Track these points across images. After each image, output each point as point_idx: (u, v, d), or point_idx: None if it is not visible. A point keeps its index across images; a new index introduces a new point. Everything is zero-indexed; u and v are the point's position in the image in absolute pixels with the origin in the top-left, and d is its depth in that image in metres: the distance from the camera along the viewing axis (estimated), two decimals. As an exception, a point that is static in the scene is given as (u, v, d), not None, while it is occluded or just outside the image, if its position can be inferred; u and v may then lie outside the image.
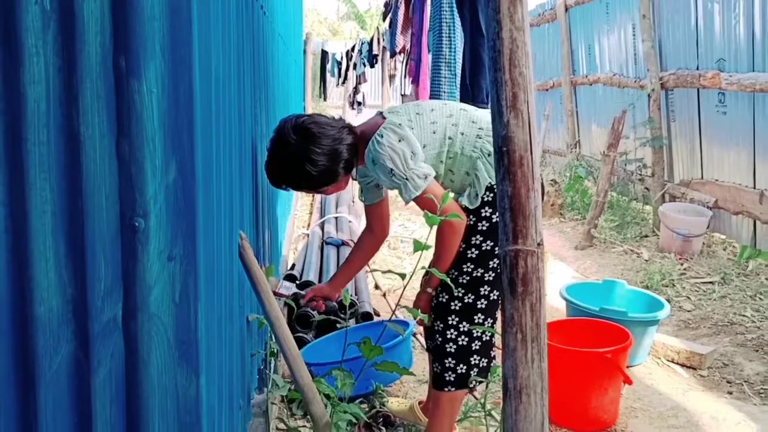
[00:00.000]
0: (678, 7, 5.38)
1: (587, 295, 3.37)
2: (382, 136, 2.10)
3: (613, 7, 6.73)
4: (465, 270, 2.18)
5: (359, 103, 12.70)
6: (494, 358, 2.30)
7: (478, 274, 2.18)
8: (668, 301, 4.02)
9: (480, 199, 2.15)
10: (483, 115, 2.21)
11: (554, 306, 3.80)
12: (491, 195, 2.13)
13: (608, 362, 2.54)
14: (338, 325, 3.06)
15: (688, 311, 3.98)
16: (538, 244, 1.51)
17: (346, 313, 2.28)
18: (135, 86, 1.07)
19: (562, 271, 4.91)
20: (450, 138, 2.17)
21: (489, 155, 2.12)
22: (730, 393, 3.02)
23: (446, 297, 2.22)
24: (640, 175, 6.19)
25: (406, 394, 2.89)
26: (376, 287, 4.25)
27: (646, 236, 5.65)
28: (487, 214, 2.15)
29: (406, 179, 2.07)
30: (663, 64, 5.71)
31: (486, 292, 2.20)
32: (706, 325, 3.75)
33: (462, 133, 2.17)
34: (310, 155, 2.05)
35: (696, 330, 3.72)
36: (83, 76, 1.06)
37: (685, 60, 5.35)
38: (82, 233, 1.09)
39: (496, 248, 2.15)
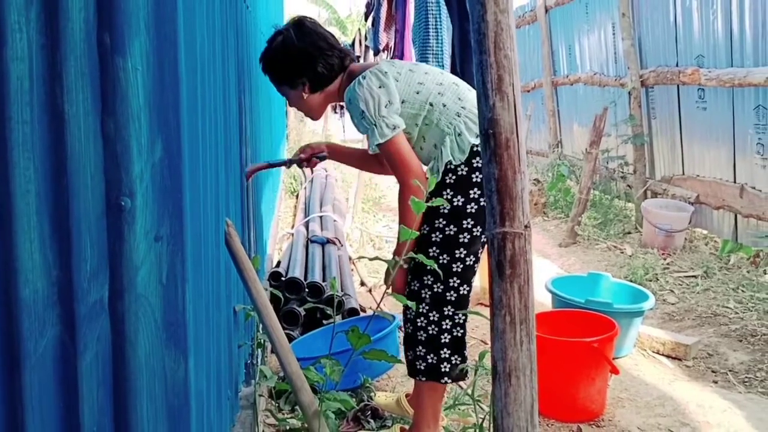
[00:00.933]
0: (657, 4, 5.44)
1: (573, 287, 3.39)
2: (364, 78, 2.14)
3: (593, 6, 6.79)
4: (431, 255, 2.15)
5: (342, 107, 12.69)
6: (467, 357, 2.29)
7: (445, 262, 2.15)
8: (653, 294, 4.06)
9: (441, 177, 2.13)
10: (471, 97, 2.20)
11: (540, 301, 3.81)
12: (453, 178, 2.12)
13: (595, 352, 2.55)
14: (324, 321, 3.05)
15: (672, 304, 4.01)
16: (526, 227, 1.50)
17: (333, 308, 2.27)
18: (120, 63, 1.06)
19: (547, 268, 4.92)
20: (431, 104, 2.16)
21: (459, 135, 2.12)
22: (716, 382, 3.04)
23: (417, 285, 2.22)
24: (622, 172, 6.24)
25: (393, 388, 2.89)
26: (362, 284, 4.24)
27: (629, 233, 5.69)
28: (449, 197, 2.13)
29: (374, 125, 2.08)
30: (643, 61, 5.77)
31: (455, 285, 2.19)
32: (690, 317, 3.78)
33: (444, 105, 2.16)
34: (287, 41, 2.16)
35: (680, 322, 3.75)
36: (67, 54, 1.04)
37: (664, 57, 5.40)
38: (66, 213, 1.07)
39: (460, 235, 2.14)
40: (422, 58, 4.35)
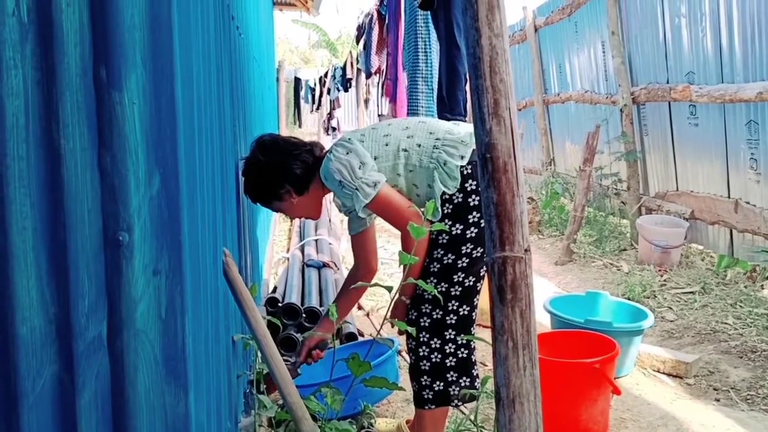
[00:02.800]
0: (646, 22, 5.49)
1: (571, 307, 3.38)
2: (331, 152, 2.16)
3: (582, 25, 6.85)
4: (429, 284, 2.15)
5: (333, 129, 12.73)
6: (477, 376, 2.27)
7: (443, 289, 2.15)
8: (651, 311, 4.05)
9: (440, 211, 2.12)
10: (443, 126, 2.20)
11: (538, 321, 3.78)
12: (450, 207, 2.12)
13: (597, 373, 2.53)
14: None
15: (671, 321, 4.00)
16: (526, 251, 1.50)
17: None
18: (116, 98, 1.06)
19: (544, 287, 4.91)
20: (405, 150, 2.15)
21: (445, 164, 2.10)
22: (718, 400, 3.02)
23: (415, 314, 2.20)
24: (616, 189, 6.26)
25: (394, 413, 2.86)
26: (359, 308, 4.21)
27: (625, 249, 5.69)
28: (447, 227, 2.12)
29: (355, 189, 2.08)
30: (634, 79, 5.81)
31: (454, 307, 2.17)
32: (690, 334, 3.77)
33: (419, 145, 2.15)
34: (256, 163, 2.19)
35: (680, 339, 3.74)
36: (63, 89, 1.04)
37: (655, 74, 5.44)
38: (64, 249, 1.06)
39: (458, 261, 2.14)
40: (412, 81, 4.37)
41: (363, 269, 2.27)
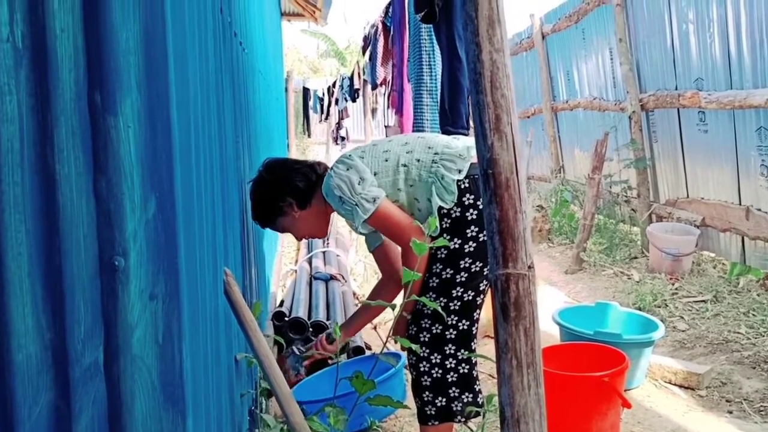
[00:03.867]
0: (654, 29, 5.46)
1: (580, 318, 3.34)
2: (331, 169, 2.18)
3: (589, 32, 6.82)
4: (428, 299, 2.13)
5: (342, 138, 12.74)
6: (480, 391, 2.25)
7: (442, 304, 2.14)
8: (662, 321, 4.00)
9: (438, 226, 2.11)
10: (441, 140, 2.21)
11: (547, 332, 3.76)
12: (449, 221, 2.11)
13: (606, 386, 2.50)
14: (330, 361, 3.01)
15: (683, 331, 3.96)
16: (529, 267, 1.48)
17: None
18: (111, 122, 1.05)
19: (554, 296, 4.88)
20: (404, 165, 2.15)
21: (443, 178, 2.10)
22: (731, 412, 2.98)
23: (414, 329, 2.19)
24: (626, 196, 6.21)
25: (401, 428, 2.83)
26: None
27: (636, 257, 5.64)
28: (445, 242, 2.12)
29: (355, 204, 2.09)
30: (642, 85, 5.77)
31: (453, 322, 2.16)
32: (702, 344, 3.73)
33: (418, 160, 2.15)
34: (259, 180, 2.24)
35: (692, 350, 3.69)
36: (58, 114, 1.03)
37: (663, 81, 5.40)
38: (60, 275, 1.05)
39: (457, 276, 2.13)
40: (417, 94, 4.36)
41: (392, 281, 2.34)
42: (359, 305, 2.48)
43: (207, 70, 1.44)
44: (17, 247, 1.03)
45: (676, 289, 4.67)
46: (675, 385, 3.25)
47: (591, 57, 6.91)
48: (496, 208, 1.45)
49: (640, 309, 4.26)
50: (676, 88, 5.17)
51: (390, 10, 5.84)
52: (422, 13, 3.63)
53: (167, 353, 1.11)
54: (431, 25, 3.87)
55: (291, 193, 2.21)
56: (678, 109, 5.24)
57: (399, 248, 2.32)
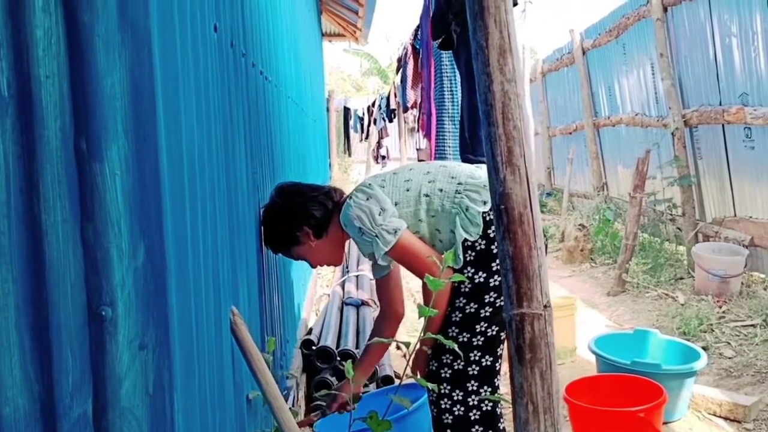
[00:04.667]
0: (695, 43, 5.30)
1: (618, 347, 3.22)
2: (351, 198, 2.11)
3: (630, 47, 6.68)
4: (450, 335, 2.05)
5: (383, 157, 12.76)
6: (504, 430, 2.16)
7: (465, 339, 2.06)
8: (707, 348, 3.84)
9: (462, 259, 2.05)
10: (464, 170, 2.13)
11: (586, 358, 3.65)
12: (473, 254, 2.03)
13: (642, 422, 2.38)
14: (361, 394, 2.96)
15: (729, 358, 3.78)
16: (545, 306, 1.42)
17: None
18: (97, 169, 1.03)
19: (594, 319, 4.74)
20: (427, 195, 2.09)
21: (467, 210, 2.03)
22: (780, 447, 2.82)
23: (435, 365, 2.11)
24: (671, 215, 6.02)
25: (431, 461, 2.75)
26: (398, 347, 4.13)
27: (681, 278, 5.45)
28: (469, 275, 2.04)
29: (375, 236, 2.02)
30: (685, 101, 5.61)
31: (476, 358, 2.08)
32: (749, 373, 3.55)
33: (440, 190, 2.08)
34: (272, 207, 2.19)
35: (738, 378, 3.52)
36: (43, 162, 1.02)
37: (707, 96, 5.24)
38: (47, 325, 1.04)
39: (481, 310, 2.05)
40: (440, 120, 4.30)
41: (388, 313, 2.22)
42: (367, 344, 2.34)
43: (208, 107, 1.42)
44: (4, 298, 1.01)
45: (723, 312, 4.48)
46: (720, 417, 3.09)
47: (632, 72, 6.75)
48: (509, 244, 1.39)
49: (684, 334, 4.10)
50: (720, 104, 5.00)
51: (419, 33, 5.82)
52: (440, 40, 3.57)
53: (158, 404, 1.08)
54: (452, 51, 3.83)
55: (307, 223, 2.15)
56: (723, 125, 5.06)
57: (401, 282, 2.27)
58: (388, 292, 2.21)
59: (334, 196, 2.20)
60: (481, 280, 2.03)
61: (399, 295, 2.23)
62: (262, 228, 2.23)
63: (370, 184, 2.12)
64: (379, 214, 2.02)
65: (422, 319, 1.73)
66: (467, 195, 2.04)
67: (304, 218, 2.15)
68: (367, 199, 2.06)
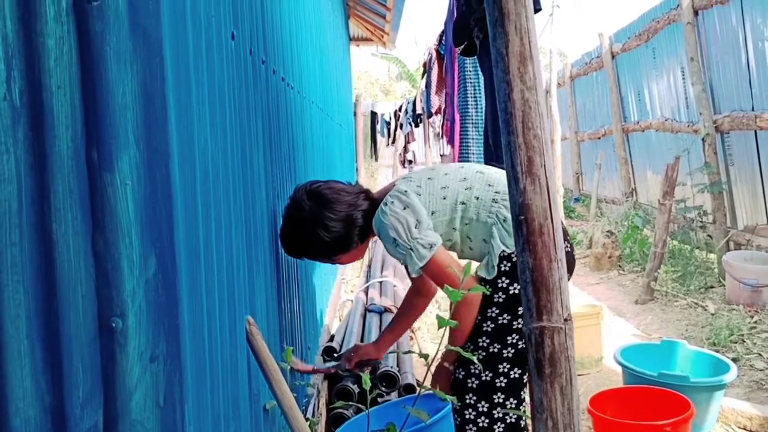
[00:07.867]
0: (727, 48, 5.20)
1: (645, 358, 3.15)
2: (386, 205, 2.04)
3: (660, 52, 6.58)
4: (480, 345, 2.02)
5: (410, 162, 12.74)
6: None
7: (495, 350, 2.02)
8: (737, 359, 3.75)
9: (497, 269, 2.01)
10: (502, 178, 2.08)
11: (612, 369, 3.58)
12: (509, 265, 1.99)
13: (668, 436, 2.33)
14: (380, 399, 2.93)
15: (761, 370, 3.68)
16: (565, 320, 1.38)
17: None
18: (108, 179, 1.02)
19: (622, 328, 4.66)
20: (463, 203, 2.04)
21: (505, 221, 1.99)
22: (813, 463, 2.73)
23: (462, 373, 2.07)
24: (701, 222, 5.91)
25: (452, 472, 2.72)
26: (421, 355, 4.09)
27: (712, 287, 5.34)
28: (504, 285, 2.00)
29: (411, 249, 1.97)
30: (716, 106, 5.50)
31: (505, 370, 2.03)
32: (782, 386, 3.45)
33: (477, 198, 2.04)
34: (325, 220, 2.02)
35: (770, 391, 3.43)
36: (55, 173, 1.01)
37: (738, 101, 5.13)
38: (58, 336, 1.03)
39: (514, 322, 2.01)
40: (463, 126, 4.26)
41: (423, 291, 2.29)
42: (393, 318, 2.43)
43: (224, 117, 1.41)
44: (15, 309, 1.01)
45: (755, 322, 4.37)
46: (750, 431, 3.01)
47: (662, 77, 6.65)
48: (529, 256, 1.36)
49: (714, 344, 4.01)
50: (753, 109, 4.90)
51: (444, 38, 5.79)
52: (462, 46, 3.53)
53: (168, 417, 1.07)
54: (476, 57, 3.79)
55: (345, 250, 2.09)
56: (755, 131, 4.95)
57: (450, 256, 2.12)
58: (442, 271, 1.99)
59: (361, 204, 2.09)
60: (516, 291, 1.99)
61: (453, 271, 2.03)
62: (288, 232, 2.09)
63: (405, 191, 2.05)
64: (416, 227, 1.98)
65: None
66: (504, 205, 2.00)
67: (345, 248, 2.09)
68: (404, 209, 2.01)
